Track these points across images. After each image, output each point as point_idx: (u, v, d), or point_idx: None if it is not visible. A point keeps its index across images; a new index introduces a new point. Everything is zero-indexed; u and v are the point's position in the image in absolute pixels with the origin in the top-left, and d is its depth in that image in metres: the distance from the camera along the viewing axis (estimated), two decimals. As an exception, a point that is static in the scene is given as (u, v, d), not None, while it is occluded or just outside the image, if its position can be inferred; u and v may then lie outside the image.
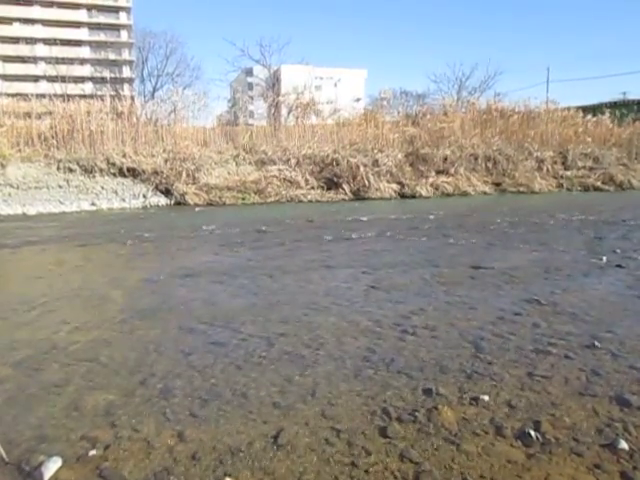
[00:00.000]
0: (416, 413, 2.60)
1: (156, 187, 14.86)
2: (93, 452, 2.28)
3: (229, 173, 15.95)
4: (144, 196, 14.57)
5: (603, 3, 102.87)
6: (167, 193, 14.80)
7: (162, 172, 14.95)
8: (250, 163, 16.51)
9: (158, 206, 14.27)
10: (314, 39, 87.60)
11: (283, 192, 15.28)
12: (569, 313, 4.23)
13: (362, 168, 15.73)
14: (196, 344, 3.60)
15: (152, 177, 14.89)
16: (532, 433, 2.42)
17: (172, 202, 14.61)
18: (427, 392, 2.82)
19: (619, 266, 5.90)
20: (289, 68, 35.32)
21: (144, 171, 14.92)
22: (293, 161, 16.41)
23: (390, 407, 2.66)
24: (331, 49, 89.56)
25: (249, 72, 40.43)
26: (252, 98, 30.15)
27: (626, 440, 2.36)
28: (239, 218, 11.15)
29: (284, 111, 21.94)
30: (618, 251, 6.77)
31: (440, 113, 20.67)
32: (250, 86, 37.07)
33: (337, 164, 16.11)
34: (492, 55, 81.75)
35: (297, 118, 20.42)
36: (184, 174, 14.97)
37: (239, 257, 6.76)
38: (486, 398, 2.75)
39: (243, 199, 14.92)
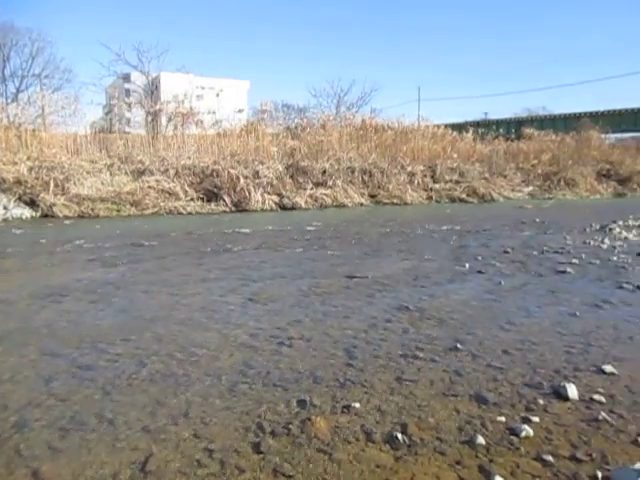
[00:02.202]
0: (290, 426, 2.61)
1: (19, 198, 13.62)
2: None
3: (103, 183, 15.08)
4: (5, 208, 13.30)
5: (470, 25, 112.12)
6: (33, 204, 13.63)
7: (26, 182, 13.75)
8: (126, 173, 15.74)
9: (22, 219, 13.12)
10: (195, 48, 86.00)
11: (161, 204, 14.75)
12: (435, 318, 4.52)
13: (243, 180, 15.65)
14: (59, 369, 3.34)
15: (14, 187, 13.64)
16: (399, 436, 2.53)
17: (38, 214, 13.48)
18: (301, 403, 2.85)
19: (480, 272, 6.41)
20: (169, 76, 34.35)
21: (4, 180, 13.65)
22: (172, 172, 15.92)
23: (264, 421, 2.65)
24: (213, 59, 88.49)
25: (126, 78, 38.67)
26: (129, 105, 28.86)
27: (483, 435, 2.55)
28: (113, 231, 10.57)
29: (163, 120, 21.26)
30: (479, 258, 7.35)
31: (319, 127, 21.20)
32: (127, 92, 35.47)
33: (217, 175, 15.89)
34: (369, 72, 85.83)
35: (176, 127, 19.89)
36: (52, 184, 13.90)
37: (112, 272, 6.40)
38: (357, 405, 2.84)
39: (118, 211, 14.17)
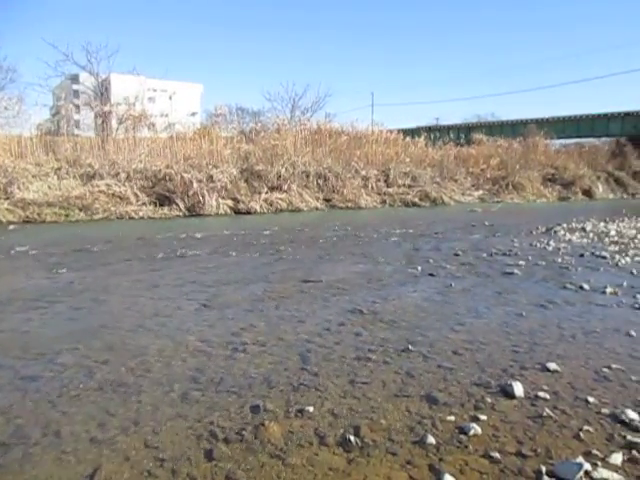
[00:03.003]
0: (243, 432, 2.60)
1: (-43, 203, 13.06)
2: None
3: (50, 187, 14.59)
4: (-58, 213, 12.71)
5: (420, 38, 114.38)
6: (-28, 210, 13.08)
7: (-35, 186, 13.20)
8: (74, 177, 15.29)
9: (-40, 225, 12.55)
10: (146, 50, 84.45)
11: (112, 208, 14.40)
12: (388, 320, 4.58)
13: (196, 184, 15.45)
14: (0, 381, 3.21)
15: (-48, 192, 13.08)
16: (352, 438, 2.56)
17: (-22, 220, 12.93)
18: (255, 409, 2.84)
19: (431, 275, 6.54)
20: (119, 77, 33.50)
21: (-58, 184, 13.04)
22: (123, 175, 15.56)
23: (217, 428, 2.63)
24: (165, 62, 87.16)
25: (74, 79, 37.49)
26: (78, 107, 28.02)
27: (433, 435, 2.60)
28: (61, 237, 10.25)
29: (114, 122, 20.75)
30: (431, 261, 7.50)
31: (274, 131, 21.17)
32: (76, 94, 34.42)
33: (170, 179, 15.64)
34: (323, 77, 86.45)
35: (128, 130, 19.46)
36: (-6, 188, 13.38)
37: (59, 280, 6.20)
38: (311, 409, 2.85)
39: (67, 216, 13.74)
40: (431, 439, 2.56)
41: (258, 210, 15.95)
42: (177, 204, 15.21)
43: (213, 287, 5.82)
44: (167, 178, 15.68)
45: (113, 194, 14.91)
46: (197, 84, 52.84)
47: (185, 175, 15.58)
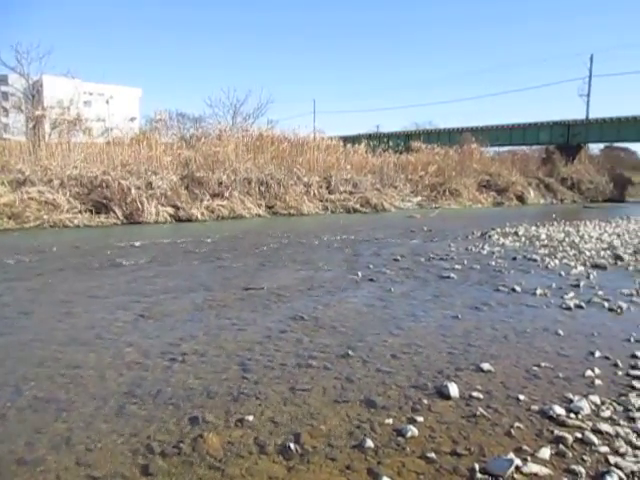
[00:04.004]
0: (181, 444, 2.55)
1: None
2: None
3: (-26, 195, 13.84)
4: None
5: (359, 46, 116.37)
6: None
7: None
8: (3, 183, 14.54)
9: None
10: (81, 52, 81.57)
11: (45, 216, 13.79)
12: (329, 326, 4.62)
13: (135, 191, 15.04)
14: None
15: None
16: (292, 446, 2.56)
17: None
18: (193, 420, 2.80)
19: (371, 280, 6.64)
20: (52, 80, 32.22)
21: None
22: (56, 182, 14.93)
23: (154, 442, 2.57)
24: (102, 64, 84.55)
25: (3, 80, 35.78)
26: (7, 110, 26.74)
27: (372, 438, 2.65)
28: (-13, 247, 9.72)
29: (47, 127, 19.93)
30: (371, 266, 7.62)
31: (215, 137, 20.94)
32: (5, 96, 32.85)
33: (107, 186, 15.14)
34: (265, 83, 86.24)
35: (61, 135, 18.74)
36: None
37: (-16, 293, 5.88)
38: (251, 418, 2.83)
39: (-7, 225, 13.07)
40: (370, 443, 2.60)
41: (199, 217, 15.70)
42: (115, 212, 14.75)
43: (152, 297, 5.68)
44: (104, 185, 15.17)
45: (46, 201, 14.28)
46: (136, 88, 51.45)
47: (123, 182, 15.14)
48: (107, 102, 26.62)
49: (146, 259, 8.28)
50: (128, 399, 3.06)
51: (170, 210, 15.57)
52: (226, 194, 17.05)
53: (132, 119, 32.25)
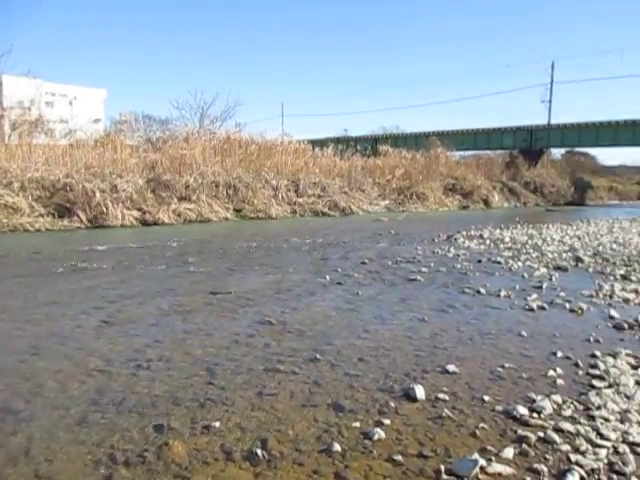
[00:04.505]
0: (145, 453, 2.50)
1: None
2: None
3: None
4: None
5: (328, 49, 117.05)
6: None
7: None
8: (-42, 186, 14.09)
9: None
10: (43, 52, 79.60)
11: (4, 220, 13.39)
12: (297, 330, 4.61)
13: (99, 194, 14.76)
14: None
15: None
16: (259, 452, 2.54)
17: None
18: (158, 428, 2.75)
19: (339, 283, 6.67)
20: (12, 80, 31.35)
21: None
22: (16, 185, 14.52)
23: (117, 452, 2.51)
24: (65, 65, 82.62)
25: (-43, 78, 34.64)
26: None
27: (339, 442, 2.64)
28: (-57, 252, 9.39)
29: (6, 128, 19.37)
30: (339, 270, 7.65)
31: (182, 140, 20.72)
32: (-40, 96, 31.82)
33: (70, 189, 14.80)
34: (233, 86, 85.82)
35: (22, 136, 18.24)
36: None
37: (-60, 300, 5.68)
38: (217, 424, 2.80)
39: (-52, 229, 12.63)
40: (337, 447, 2.60)
41: (166, 221, 15.50)
42: (78, 215, 14.42)
43: (116, 302, 5.58)
44: (67, 188, 14.83)
45: (5, 205, 13.87)
46: (100, 89, 50.39)
47: (87, 185, 14.83)
48: (70, 103, 26.14)
49: (111, 264, 8.12)
50: (91, 408, 2.99)
51: (136, 214, 15.33)
52: (193, 197, 16.88)
53: (96, 121, 31.68)
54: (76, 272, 7.43)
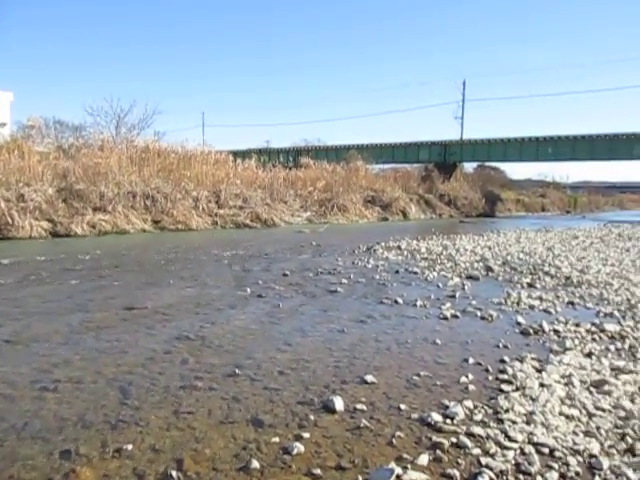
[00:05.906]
0: (50, 482, 2.36)
1: None
2: None
3: None
4: None
5: (249, 60, 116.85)
6: None
7: None
8: None
9: None
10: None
11: None
12: (216, 345, 4.53)
13: (4, 203, 13.83)
14: None
15: None
16: (174, 473, 2.46)
17: None
18: (65, 454, 2.60)
19: (260, 296, 6.62)
20: None
21: None
22: None
23: (18, 482, 2.35)
24: (-37, 65, 76.99)
25: None
26: None
27: (258, 459, 2.61)
28: None
29: None
30: (260, 282, 7.60)
31: (97, 148, 19.87)
32: None
33: (-30, 198, 13.80)
34: (152, 94, 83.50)
35: None
36: None
37: None
38: (130, 447, 2.68)
39: None
40: (255, 463, 2.57)
41: (79, 232, 14.75)
42: (-21, 226, 13.45)
43: (20, 320, 5.23)
44: (-34, 197, 13.81)
45: None
46: (6, 92, 47.41)
47: (-11, 194, 13.87)
48: (-29, 106, 24.37)
49: (15, 278, 7.61)
50: (-11, 436, 2.78)
51: (46, 225, 14.49)
52: (109, 208, 16.20)
53: (1, 125, 29.79)
54: (-24, 288, 6.90)
